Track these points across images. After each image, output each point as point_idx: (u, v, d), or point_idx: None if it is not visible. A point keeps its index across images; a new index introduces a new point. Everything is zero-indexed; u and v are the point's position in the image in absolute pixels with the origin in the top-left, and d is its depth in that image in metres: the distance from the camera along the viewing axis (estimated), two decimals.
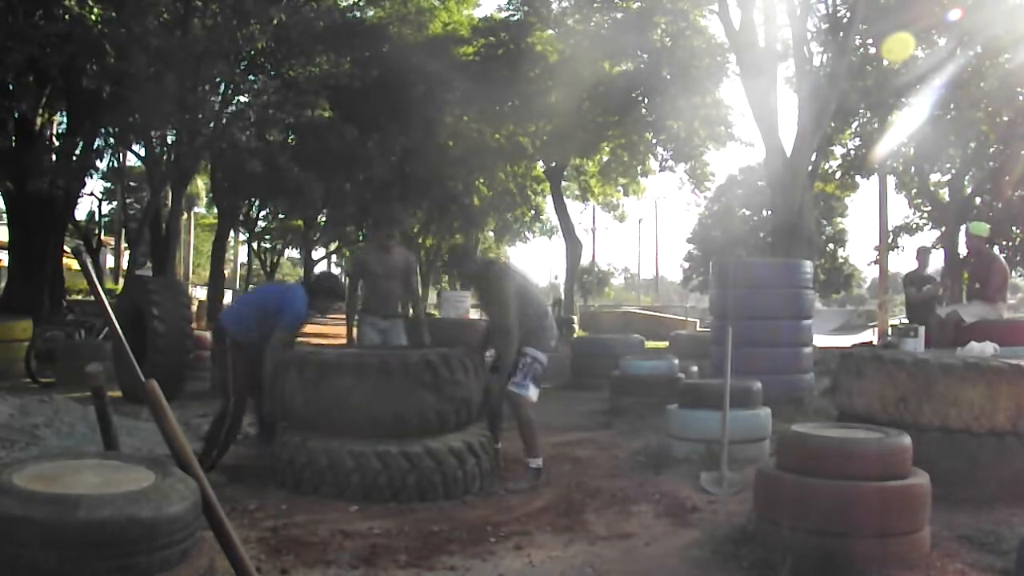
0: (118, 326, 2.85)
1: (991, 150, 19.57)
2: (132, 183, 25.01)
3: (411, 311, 6.58)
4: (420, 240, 27.42)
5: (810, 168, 15.16)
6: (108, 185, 27.52)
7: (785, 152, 13.38)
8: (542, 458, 5.10)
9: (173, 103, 12.53)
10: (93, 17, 11.34)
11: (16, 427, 5.33)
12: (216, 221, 26.18)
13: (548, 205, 26.23)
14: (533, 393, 5.13)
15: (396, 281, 6.32)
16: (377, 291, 6.29)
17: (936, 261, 14.92)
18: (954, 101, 17.29)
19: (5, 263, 18.23)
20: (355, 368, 4.64)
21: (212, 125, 14.43)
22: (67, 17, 11.22)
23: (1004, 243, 20.16)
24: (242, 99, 16.01)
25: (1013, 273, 20.19)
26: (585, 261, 33.58)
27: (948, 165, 21.05)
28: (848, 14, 14.67)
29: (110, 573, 1.95)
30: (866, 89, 17.27)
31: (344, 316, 6.63)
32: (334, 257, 35.63)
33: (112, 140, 15.94)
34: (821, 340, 12.26)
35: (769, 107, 13.69)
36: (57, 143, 14.63)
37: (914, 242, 23.41)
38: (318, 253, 31.73)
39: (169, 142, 15.51)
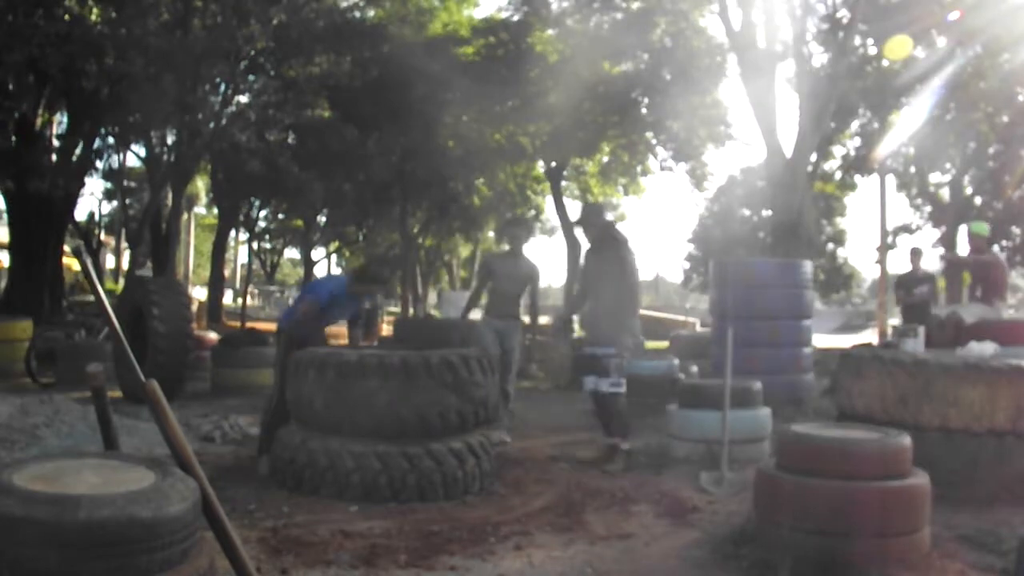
0: (118, 326, 2.85)
1: (991, 150, 19.57)
2: (132, 183, 24.99)
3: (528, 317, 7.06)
4: (420, 240, 27.39)
5: (810, 168, 15.16)
6: (108, 185, 27.52)
7: (785, 152, 13.37)
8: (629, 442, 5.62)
9: (173, 103, 12.55)
10: (93, 17, 11.36)
11: (16, 427, 5.32)
12: (216, 221, 26.20)
13: (548, 205, 26.25)
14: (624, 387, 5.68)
15: (519, 286, 6.63)
16: (499, 294, 6.59)
17: (934, 261, 14.89)
18: (954, 101, 17.30)
19: (5, 263, 18.24)
20: (377, 369, 4.59)
21: (212, 125, 14.45)
22: (67, 17, 11.24)
23: (1004, 243, 20.16)
24: (242, 99, 16.05)
25: (1013, 273, 20.20)
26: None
27: (948, 165, 21.05)
28: (848, 14, 14.66)
29: (110, 573, 1.95)
30: (866, 89, 17.26)
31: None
32: (334, 257, 35.63)
33: (112, 140, 15.95)
34: (821, 340, 12.27)
35: (769, 107, 13.68)
36: (57, 143, 14.65)
37: (914, 242, 23.43)
38: (318, 253, 31.73)
39: (169, 142, 15.53)
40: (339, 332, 7.29)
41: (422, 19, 19.46)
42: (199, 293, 27.37)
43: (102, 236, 27.54)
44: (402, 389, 4.55)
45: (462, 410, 4.70)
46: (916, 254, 10.24)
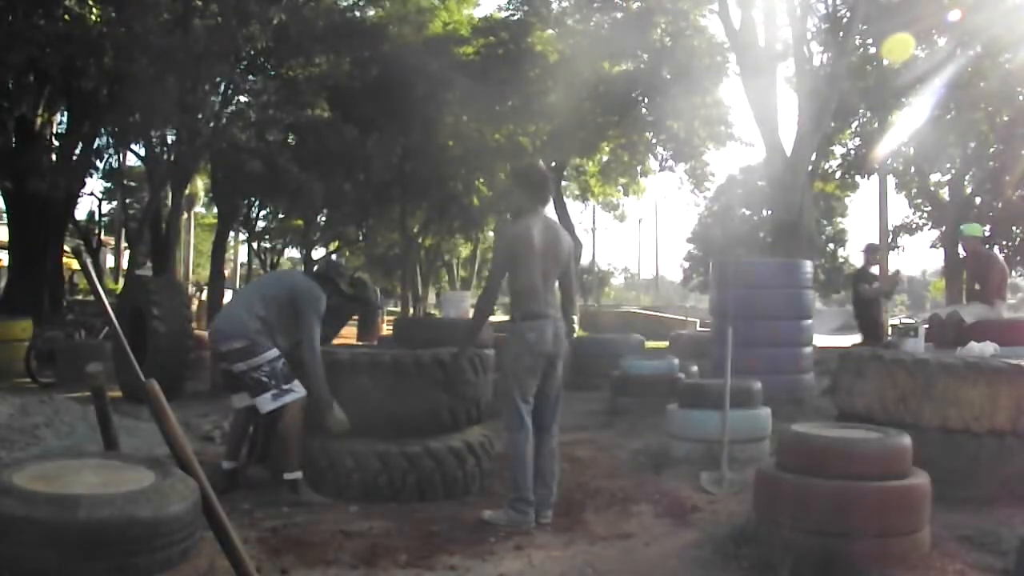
0: (118, 326, 2.85)
1: (991, 150, 19.57)
2: (132, 183, 24.99)
3: None
4: (420, 240, 27.38)
5: (810, 168, 15.17)
6: (108, 185, 27.52)
7: (785, 152, 13.38)
8: None
9: (173, 103, 12.55)
10: (93, 17, 11.35)
11: (16, 427, 5.32)
12: (216, 221, 26.18)
13: (548, 205, 26.24)
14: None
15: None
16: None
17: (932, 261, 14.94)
18: (954, 101, 17.30)
19: (5, 263, 18.24)
20: (368, 368, 4.60)
21: (212, 125, 14.44)
22: (67, 17, 11.23)
23: (1004, 243, 20.15)
24: (242, 99, 16.04)
25: (1013, 273, 20.19)
26: (585, 261, 33.59)
27: (948, 165, 21.05)
28: (848, 14, 14.67)
29: (110, 573, 1.95)
30: (866, 89, 17.28)
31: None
32: (334, 257, 35.62)
33: (112, 140, 15.95)
34: (821, 340, 12.26)
35: (769, 107, 13.69)
36: (57, 143, 14.65)
37: (914, 242, 23.50)
38: (318, 253, 31.69)
39: (169, 142, 15.53)
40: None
41: (422, 19, 19.47)
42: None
43: (102, 236, 27.50)
44: (393, 388, 4.56)
45: (454, 408, 4.70)
46: (872, 250, 10.61)
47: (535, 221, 4.27)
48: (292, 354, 4.70)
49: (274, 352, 4.58)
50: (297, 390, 4.53)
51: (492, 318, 5.62)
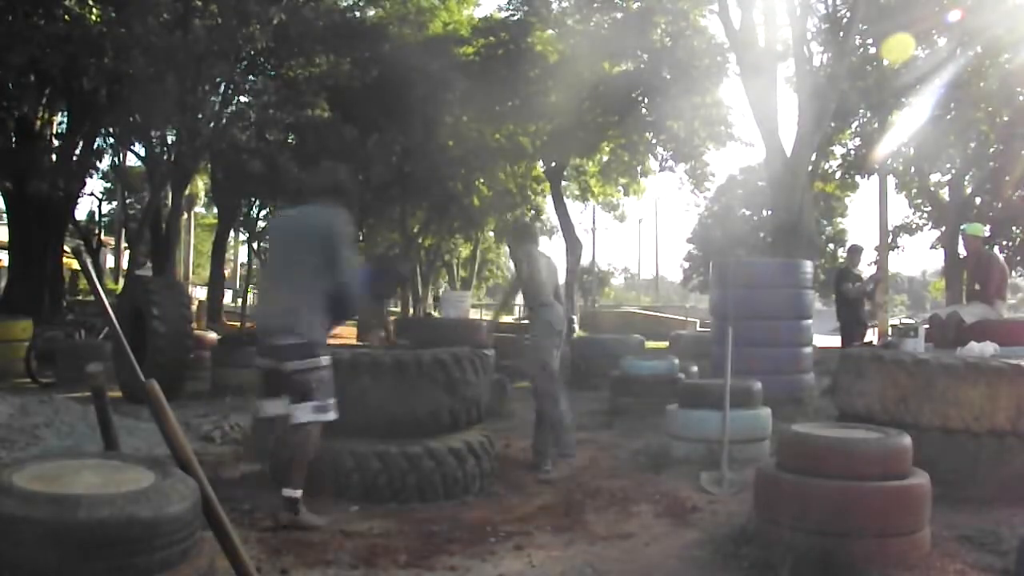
0: (118, 326, 2.85)
1: (991, 150, 19.57)
2: (132, 183, 24.99)
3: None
4: (420, 240, 27.38)
5: (810, 168, 15.16)
6: (108, 185, 27.51)
7: (785, 152, 13.37)
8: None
9: (173, 103, 12.54)
10: (93, 17, 11.36)
11: (16, 427, 5.32)
12: (216, 221, 26.19)
13: (548, 205, 26.28)
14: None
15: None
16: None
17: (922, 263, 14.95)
18: (954, 101, 17.31)
19: (5, 263, 18.24)
20: (370, 368, 4.60)
21: (212, 125, 14.44)
22: (67, 17, 11.24)
23: (1004, 243, 20.14)
24: (242, 99, 16.04)
25: (1013, 273, 20.18)
26: (585, 261, 33.54)
27: (948, 165, 21.05)
28: (848, 14, 14.67)
29: (110, 573, 1.95)
30: (866, 89, 17.27)
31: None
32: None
33: (112, 140, 15.95)
34: (821, 340, 12.26)
35: (769, 107, 13.68)
36: (57, 143, 14.65)
37: (914, 242, 23.53)
38: None
39: (169, 142, 15.53)
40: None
41: (422, 19, 19.50)
42: (199, 293, 27.36)
43: (102, 236, 27.50)
44: (393, 388, 4.56)
45: (454, 409, 4.70)
46: (856, 251, 10.77)
47: (538, 253, 6.10)
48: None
49: (328, 359, 4.11)
50: (332, 411, 4.06)
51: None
